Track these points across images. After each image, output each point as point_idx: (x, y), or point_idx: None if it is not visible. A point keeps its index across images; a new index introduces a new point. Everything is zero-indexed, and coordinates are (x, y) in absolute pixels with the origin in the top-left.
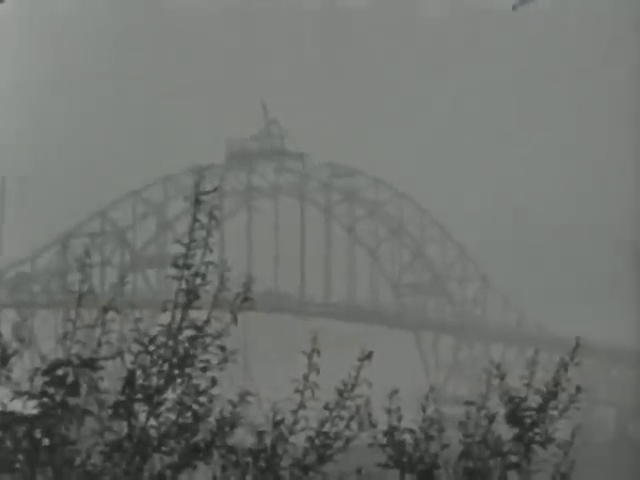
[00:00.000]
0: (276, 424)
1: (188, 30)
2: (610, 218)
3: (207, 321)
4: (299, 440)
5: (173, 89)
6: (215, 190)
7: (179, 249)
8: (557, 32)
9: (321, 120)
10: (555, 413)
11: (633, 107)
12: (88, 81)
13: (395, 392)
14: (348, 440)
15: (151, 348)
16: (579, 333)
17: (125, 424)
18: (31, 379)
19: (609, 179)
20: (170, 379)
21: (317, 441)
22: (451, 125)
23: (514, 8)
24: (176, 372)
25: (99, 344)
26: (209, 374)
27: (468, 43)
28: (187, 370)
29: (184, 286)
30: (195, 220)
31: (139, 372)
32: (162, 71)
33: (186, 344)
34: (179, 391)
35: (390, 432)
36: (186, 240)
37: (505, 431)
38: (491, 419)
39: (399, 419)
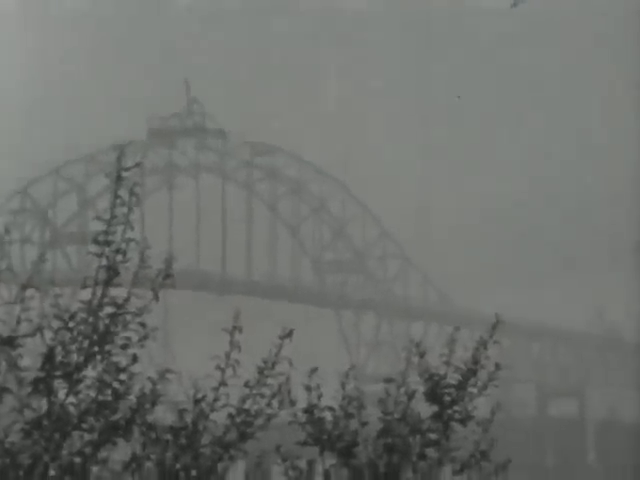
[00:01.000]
0: (197, 401)
1: (112, 10)
2: (523, 198)
3: (127, 298)
4: (220, 417)
5: (95, 66)
6: (137, 166)
7: (100, 226)
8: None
9: (243, 99)
10: (474, 390)
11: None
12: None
13: (315, 370)
14: (269, 418)
15: (71, 325)
16: (499, 311)
17: (44, 401)
18: None
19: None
20: (90, 356)
21: (238, 418)
22: (381, 107)
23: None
24: (96, 349)
25: (18, 321)
26: (129, 351)
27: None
28: (107, 347)
29: (105, 263)
30: (116, 197)
31: (59, 349)
32: (83, 48)
33: (106, 321)
34: (99, 368)
35: (310, 410)
36: (107, 217)
37: (425, 409)
38: (410, 396)
39: (319, 397)
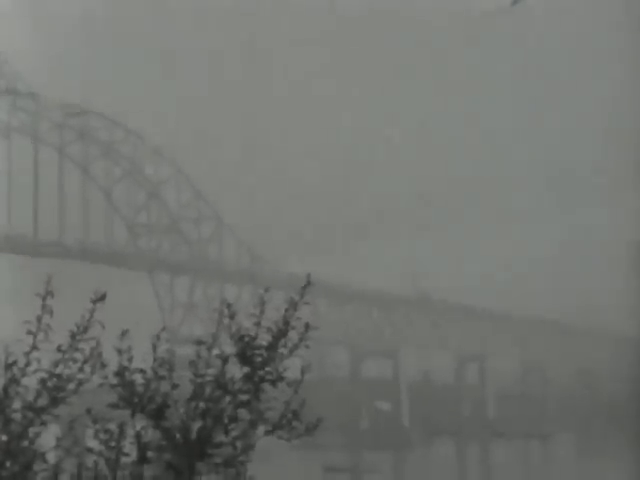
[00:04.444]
0: (8, 366)
1: None
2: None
3: None
4: (31, 382)
5: None
6: None
7: None
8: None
9: (58, 58)
10: (285, 351)
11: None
12: None
13: (126, 332)
14: (81, 382)
15: None
16: (313, 273)
17: None
18: None
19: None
20: None
21: (50, 383)
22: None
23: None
24: None
25: None
26: None
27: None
28: None
29: None
30: None
31: None
32: None
33: None
34: None
35: (120, 372)
36: None
37: (238, 371)
38: (225, 360)
39: (130, 359)
